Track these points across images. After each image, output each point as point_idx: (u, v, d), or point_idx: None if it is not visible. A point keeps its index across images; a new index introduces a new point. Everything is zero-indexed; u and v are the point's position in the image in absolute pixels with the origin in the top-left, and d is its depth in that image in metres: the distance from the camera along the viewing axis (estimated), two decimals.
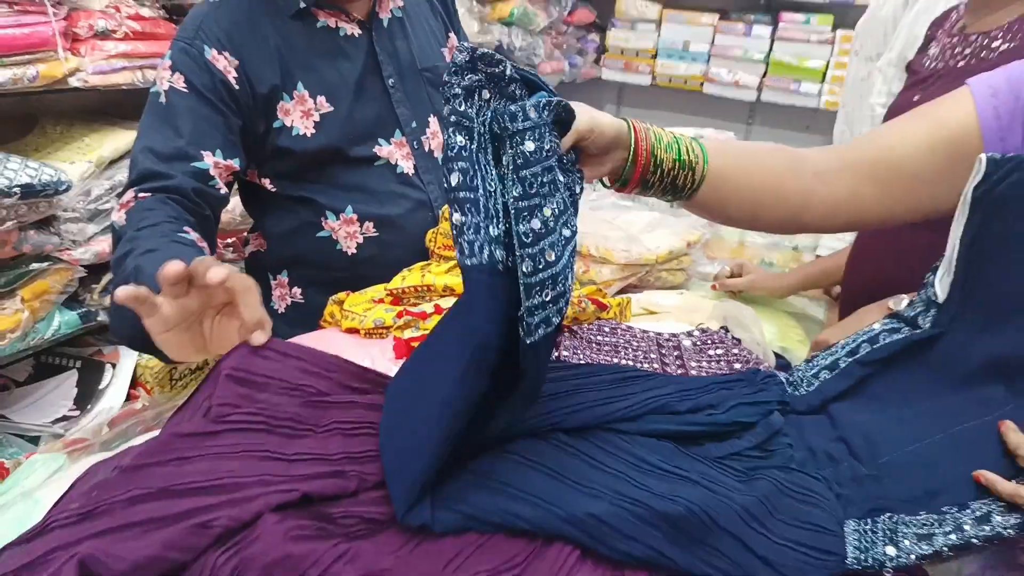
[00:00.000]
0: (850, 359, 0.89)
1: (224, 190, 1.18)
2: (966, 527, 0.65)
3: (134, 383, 1.73)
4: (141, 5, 1.65)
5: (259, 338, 0.74)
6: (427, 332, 1.05)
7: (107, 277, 1.65)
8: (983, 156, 0.75)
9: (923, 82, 1.22)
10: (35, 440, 1.55)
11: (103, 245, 1.59)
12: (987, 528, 0.64)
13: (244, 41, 1.18)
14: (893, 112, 1.26)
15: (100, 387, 1.70)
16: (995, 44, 1.11)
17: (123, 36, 1.59)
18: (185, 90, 1.15)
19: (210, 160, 1.15)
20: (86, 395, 1.68)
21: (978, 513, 0.65)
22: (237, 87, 1.17)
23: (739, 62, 3.81)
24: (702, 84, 3.91)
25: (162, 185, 1.10)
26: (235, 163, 1.19)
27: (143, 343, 0.82)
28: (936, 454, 0.72)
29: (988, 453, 0.70)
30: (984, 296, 0.77)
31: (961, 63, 1.16)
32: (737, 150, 0.92)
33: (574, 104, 0.75)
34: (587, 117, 0.78)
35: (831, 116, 3.12)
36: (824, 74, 3.65)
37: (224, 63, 1.17)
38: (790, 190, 0.89)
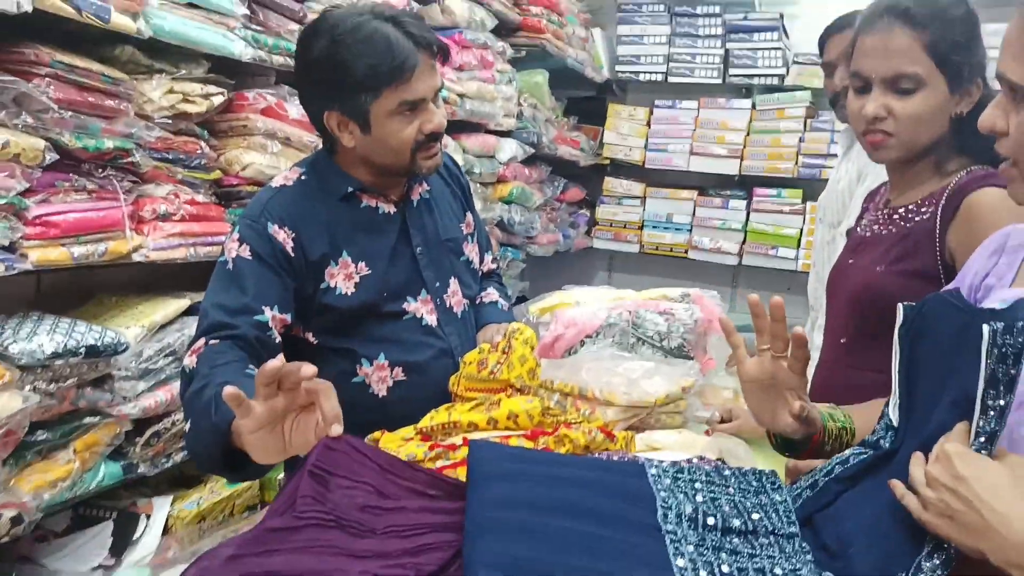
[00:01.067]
0: (827, 478, 1.05)
1: (279, 340, 1.39)
2: None
3: (167, 531, 1.83)
4: (196, 192, 1.91)
5: (336, 430, 0.92)
6: (456, 462, 1.20)
7: (150, 431, 1.79)
8: (900, 305, 0.97)
9: (857, 247, 1.45)
10: None
11: (150, 401, 1.75)
12: None
13: (300, 218, 1.42)
14: (836, 272, 1.48)
15: (134, 537, 1.79)
16: (912, 216, 1.34)
17: (180, 218, 1.83)
18: (250, 257, 1.38)
19: (269, 314, 1.36)
20: (121, 545, 1.78)
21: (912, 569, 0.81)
22: (293, 255, 1.40)
23: (719, 231, 4.13)
24: (687, 251, 4.21)
25: (229, 334, 1.30)
26: (288, 317, 1.40)
27: (214, 463, 1.09)
28: (886, 535, 0.87)
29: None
30: (920, 408, 0.95)
31: (885, 231, 1.39)
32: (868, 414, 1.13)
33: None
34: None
35: (808, 277, 3.38)
36: (799, 240, 3.95)
37: (283, 236, 1.40)
38: None
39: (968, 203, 1.26)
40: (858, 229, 1.48)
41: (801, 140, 3.95)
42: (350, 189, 1.49)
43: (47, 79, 1.51)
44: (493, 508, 0.88)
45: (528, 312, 2.00)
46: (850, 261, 1.41)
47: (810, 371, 1.57)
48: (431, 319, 1.54)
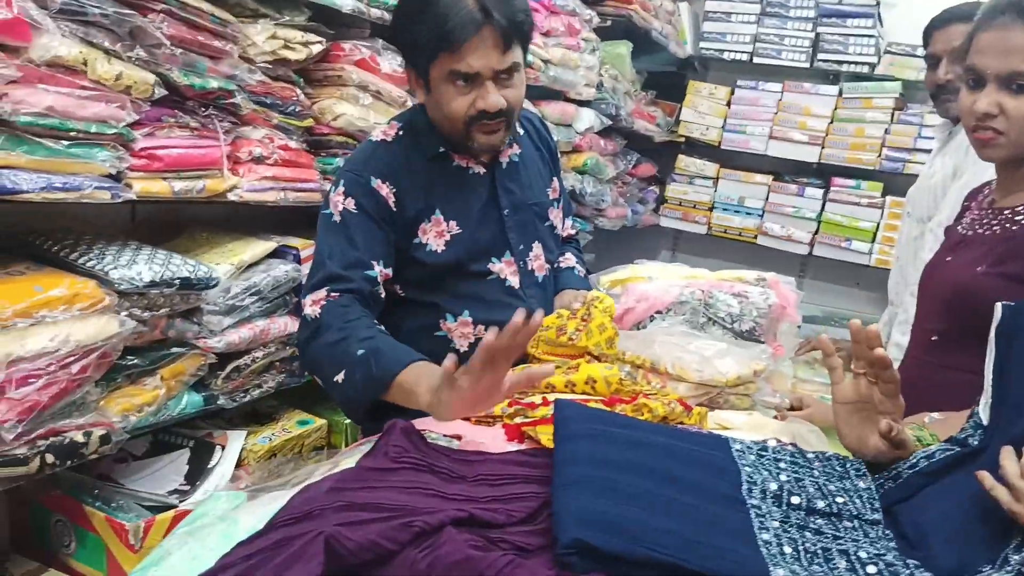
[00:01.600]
0: (911, 471, 1.05)
1: (383, 295, 1.45)
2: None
3: (239, 464, 1.90)
4: (290, 138, 1.95)
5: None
6: (535, 419, 1.22)
7: (231, 366, 1.86)
8: (999, 304, 0.97)
9: (956, 246, 1.42)
10: (151, 508, 1.71)
11: (234, 337, 1.81)
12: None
13: (400, 174, 1.46)
14: (930, 269, 1.45)
15: (209, 465, 1.87)
16: (1019, 218, 1.31)
17: (273, 162, 1.88)
18: (355, 211, 1.43)
19: (377, 269, 1.43)
20: (196, 472, 1.85)
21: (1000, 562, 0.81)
22: (395, 209, 1.44)
23: (792, 219, 4.05)
24: (755, 236, 4.15)
25: (347, 287, 1.37)
26: (390, 272, 1.46)
27: (363, 410, 1.28)
28: (969, 527, 0.87)
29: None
30: (1011, 407, 0.94)
31: (988, 232, 1.36)
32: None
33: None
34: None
35: (881, 273, 3.32)
36: (874, 234, 3.86)
37: (386, 190, 1.44)
38: None
39: None
40: (959, 228, 1.45)
41: (887, 132, 3.84)
42: (442, 149, 1.51)
43: (161, 15, 1.55)
44: (581, 465, 0.90)
45: (599, 283, 2.01)
46: (948, 259, 1.39)
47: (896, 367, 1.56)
48: (514, 280, 1.57)
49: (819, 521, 0.91)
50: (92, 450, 1.53)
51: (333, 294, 1.37)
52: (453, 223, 1.51)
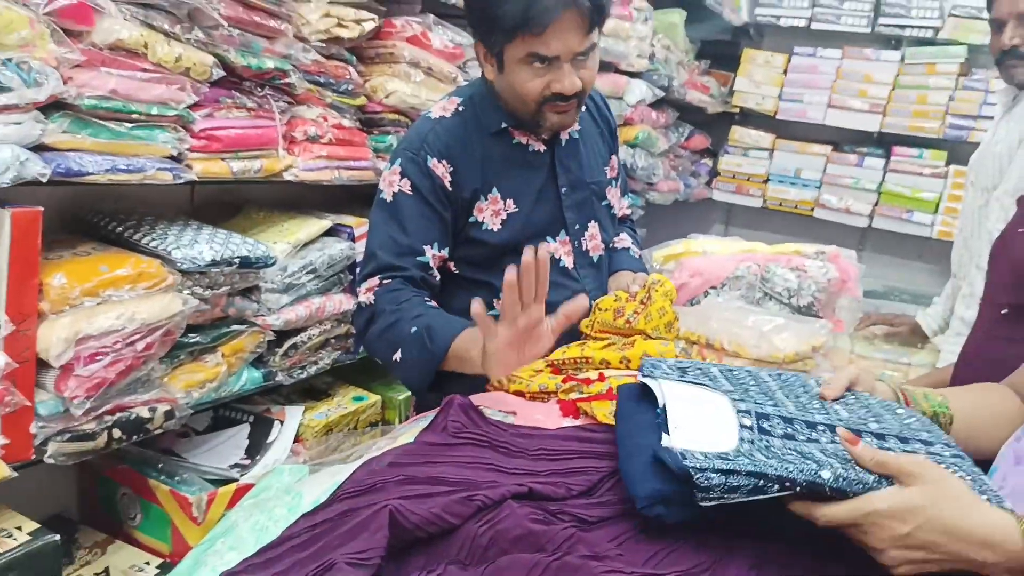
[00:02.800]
0: None
1: (438, 278, 1.47)
2: None
3: (296, 439, 1.94)
4: (343, 117, 1.96)
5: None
6: (590, 395, 1.22)
7: (289, 343, 1.89)
8: None
9: None
10: (213, 481, 1.76)
11: (291, 315, 1.84)
12: None
13: (458, 152, 1.45)
14: (1002, 240, 1.39)
15: (268, 440, 1.91)
16: None
17: (328, 141, 1.89)
18: (410, 192, 1.43)
19: (430, 253, 1.44)
20: (256, 446, 1.90)
21: None
22: (451, 189, 1.44)
23: (851, 190, 3.95)
24: (812, 209, 4.06)
25: (399, 275, 1.41)
26: (445, 253, 1.47)
27: (425, 383, 1.32)
28: None
29: None
30: None
31: None
32: (972, 400, 1.07)
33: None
34: (855, 374, 1.00)
35: (944, 245, 3.22)
36: (937, 205, 3.74)
37: (442, 170, 1.43)
38: (1019, 420, 1.03)
39: None
40: None
41: (951, 99, 3.71)
42: (504, 125, 1.50)
43: None
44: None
45: (652, 259, 1.98)
46: (1020, 230, 1.33)
47: (960, 341, 1.51)
48: (568, 260, 1.55)
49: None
50: (157, 425, 1.58)
51: (386, 281, 1.42)
52: (510, 201, 1.49)
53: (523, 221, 1.50)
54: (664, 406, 0.86)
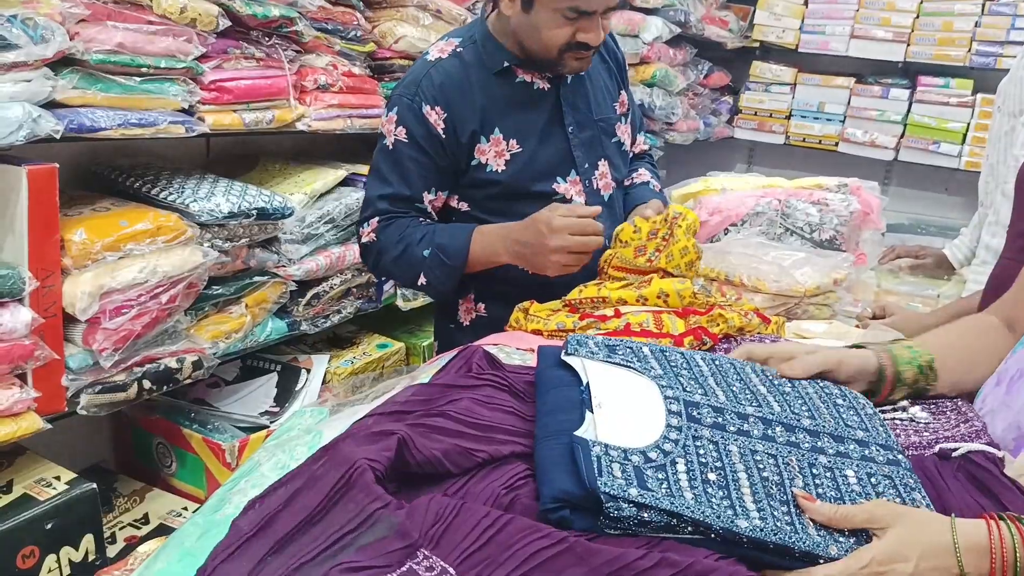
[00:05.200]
0: None
1: (435, 216, 1.53)
2: None
3: (324, 386, 1.97)
4: (353, 64, 1.95)
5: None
6: (608, 331, 1.22)
7: (311, 293, 1.91)
8: None
9: None
10: (244, 429, 1.80)
11: (311, 264, 1.86)
12: None
13: (453, 95, 1.45)
14: None
15: (296, 388, 1.95)
16: None
17: (339, 90, 1.88)
18: (406, 140, 1.46)
19: (428, 199, 1.50)
20: (284, 394, 1.93)
21: None
22: (444, 136, 1.45)
23: (876, 123, 3.86)
24: (837, 144, 3.98)
25: (396, 216, 1.50)
26: (444, 195, 1.52)
27: (450, 292, 1.49)
28: None
29: None
30: None
31: None
32: (954, 343, 1.04)
33: (824, 351, 0.97)
34: (836, 358, 0.96)
35: (971, 176, 3.15)
36: (964, 135, 3.65)
37: (435, 116, 1.44)
38: (1004, 351, 1.01)
39: None
40: None
41: (977, 25, 3.59)
42: (506, 64, 1.48)
43: None
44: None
45: (670, 198, 1.96)
46: None
47: (987, 270, 1.48)
48: (579, 200, 1.54)
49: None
50: (186, 375, 1.61)
51: (383, 221, 1.49)
52: (513, 142, 1.48)
53: (528, 161, 1.49)
54: (588, 384, 0.82)
